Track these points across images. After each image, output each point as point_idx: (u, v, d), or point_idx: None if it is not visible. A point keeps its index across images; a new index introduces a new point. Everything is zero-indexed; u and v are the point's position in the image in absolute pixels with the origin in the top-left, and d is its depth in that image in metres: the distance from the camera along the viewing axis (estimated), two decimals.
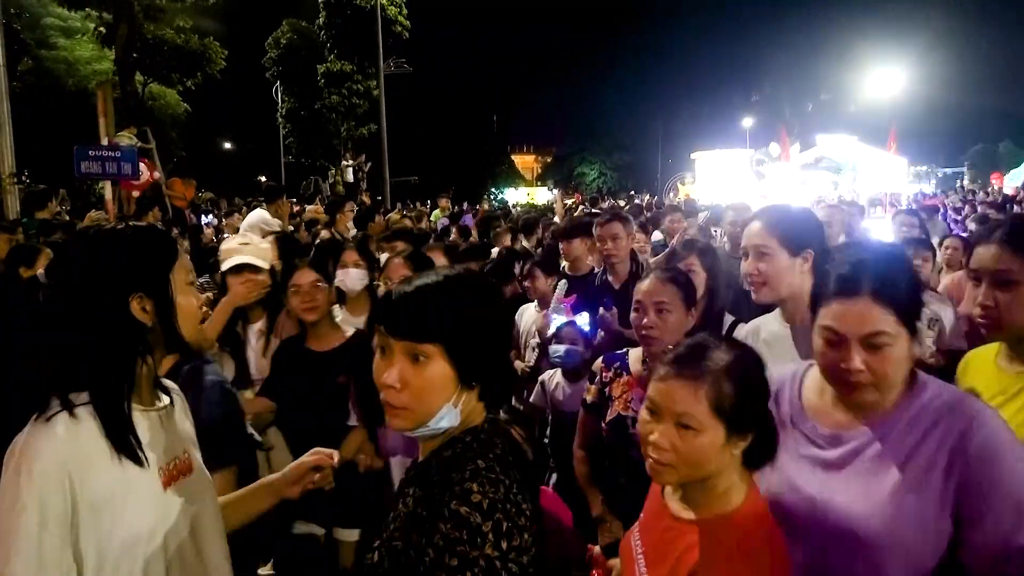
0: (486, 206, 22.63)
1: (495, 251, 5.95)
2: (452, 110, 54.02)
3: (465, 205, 24.91)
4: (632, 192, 32.30)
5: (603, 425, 2.53)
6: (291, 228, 8.49)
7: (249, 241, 3.81)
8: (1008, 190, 20.57)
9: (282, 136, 36.67)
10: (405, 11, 33.79)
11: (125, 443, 1.42)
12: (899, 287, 1.49)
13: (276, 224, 7.61)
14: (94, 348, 1.45)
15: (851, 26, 42.64)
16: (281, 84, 36.43)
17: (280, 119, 36.65)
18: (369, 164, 23.09)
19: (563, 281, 4.43)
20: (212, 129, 39.34)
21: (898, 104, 29.67)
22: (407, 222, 9.30)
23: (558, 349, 3.45)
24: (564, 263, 4.77)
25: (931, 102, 32.80)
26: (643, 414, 1.54)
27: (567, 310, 3.70)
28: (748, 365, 1.49)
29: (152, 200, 10.35)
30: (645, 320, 2.45)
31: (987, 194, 19.37)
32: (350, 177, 22.98)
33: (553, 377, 3.60)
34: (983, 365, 1.89)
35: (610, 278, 4.34)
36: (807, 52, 46.63)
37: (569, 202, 20.99)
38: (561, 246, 4.76)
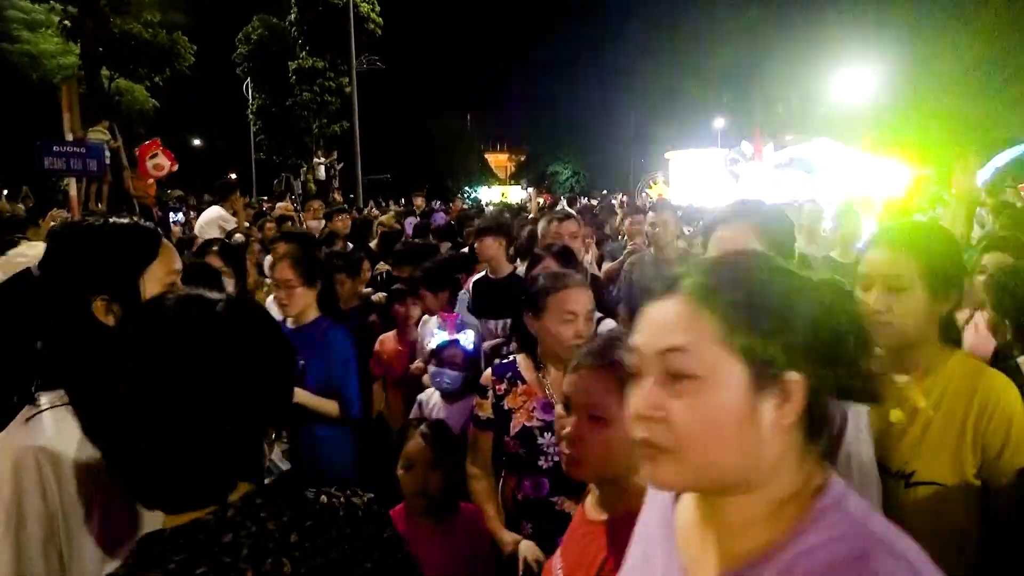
0: (460, 205, 22.58)
1: (465, 250, 5.94)
2: (425, 108, 53.82)
3: (437, 203, 24.84)
4: (604, 192, 32.43)
5: (508, 439, 2.39)
6: (247, 224, 8.40)
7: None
8: None
9: (252, 133, 36.26)
10: (378, 8, 33.60)
11: (100, 442, 1.39)
12: None
13: (234, 221, 7.55)
14: (63, 348, 1.42)
15: (821, 29, 43.22)
16: (252, 80, 36.01)
17: (251, 116, 36.23)
18: (341, 163, 22.94)
19: (463, 292, 4.32)
20: (181, 125, 38.71)
21: (870, 105, 30.13)
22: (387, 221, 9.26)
23: (436, 372, 3.19)
24: (485, 266, 4.50)
25: (898, 104, 33.36)
26: (558, 409, 1.55)
27: (450, 326, 3.35)
28: None
29: (119, 198, 10.18)
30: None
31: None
32: (322, 175, 22.82)
33: (431, 397, 3.36)
34: None
35: None
36: (777, 54, 47.20)
37: (540, 201, 21.01)
38: (475, 246, 4.51)
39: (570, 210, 7.11)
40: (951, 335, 1.82)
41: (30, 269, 1.49)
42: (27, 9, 26.57)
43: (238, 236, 6.86)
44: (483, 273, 4.54)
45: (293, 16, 34.35)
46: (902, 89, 33.89)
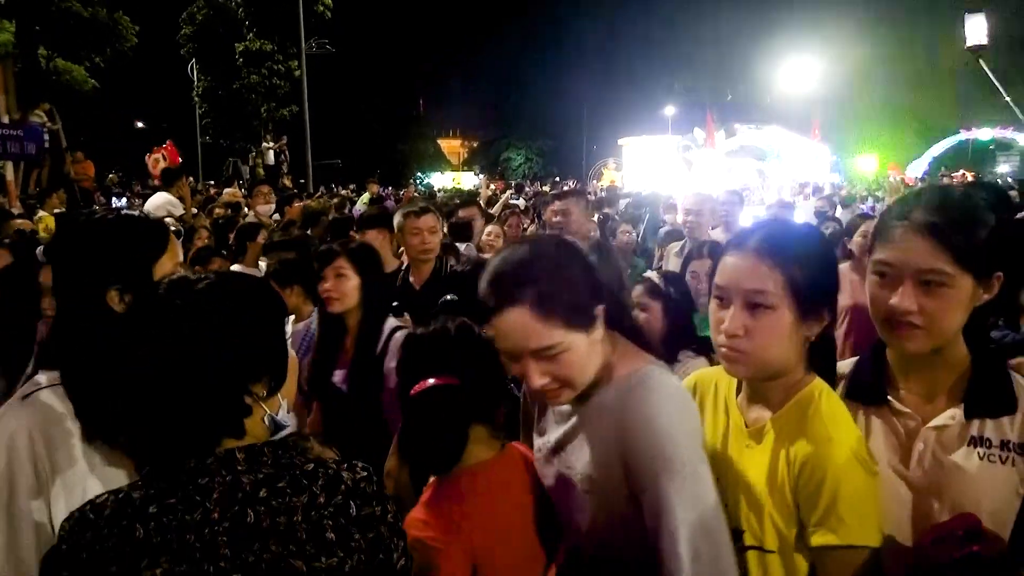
0: (413, 192, 22.46)
1: None
2: (377, 93, 53.13)
3: (389, 189, 24.64)
4: (557, 178, 32.61)
5: None
6: (195, 210, 8.28)
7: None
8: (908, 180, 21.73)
9: (198, 116, 35.37)
10: None
11: (94, 423, 1.44)
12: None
13: (182, 207, 7.45)
14: (70, 333, 1.48)
15: (768, 18, 44.00)
16: (197, 62, 35.08)
17: (196, 98, 35.33)
18: (288, 148, 22.58)
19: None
20: (123, 107, 37.56)
21: (815, 95, 30.87)
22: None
23: None
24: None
25: (842, 94, 34.23)
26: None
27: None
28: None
29: (58, 182, 9.90)
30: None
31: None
32: (271, 160, 22.42)
33: None
34: (717, 396, 1.61)
35: (412, 278, 3.97)
36: (726, 42, 47.93)
37: (493, 186, 21.01)
38: (356, 238, 4.26)
39: (515, 201, 7.13)
40: (825, 358, 1.52)
41: (36, 255, 1.55)
42: None
43: (168, 220, 6.75)
44: None
45: None
46: (845, 79, 34.78)
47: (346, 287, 2.81)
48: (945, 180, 17.20)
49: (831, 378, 1.52)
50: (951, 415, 1.42)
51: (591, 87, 59.00)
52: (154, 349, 1.09)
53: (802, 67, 32.43)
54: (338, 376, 2.84)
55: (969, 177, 20.23)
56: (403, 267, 4.12)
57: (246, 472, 1.10)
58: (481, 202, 10.16)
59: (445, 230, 5.45)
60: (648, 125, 37.03)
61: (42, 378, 1.47)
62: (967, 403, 1.41)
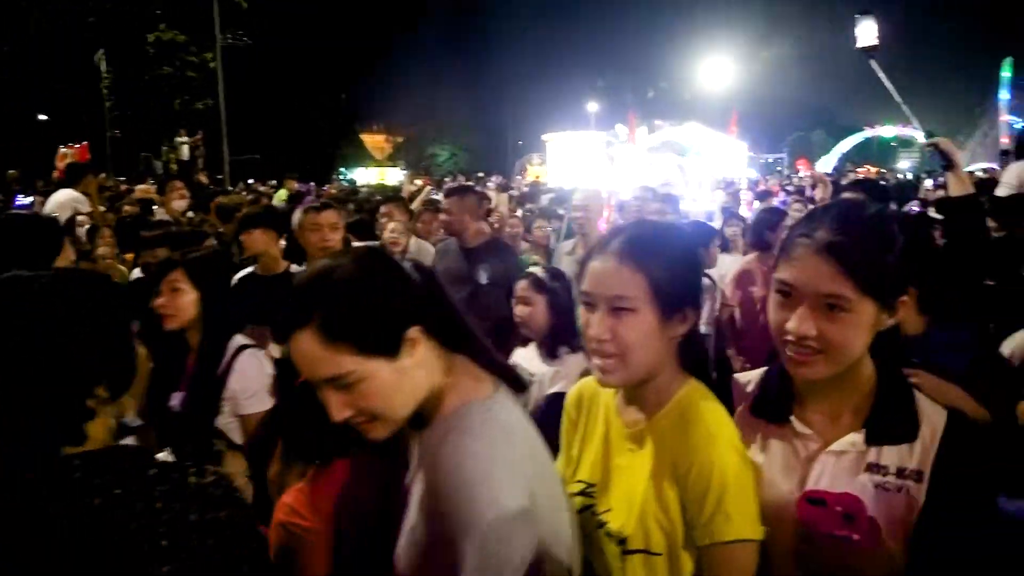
0: (334, 189, 22.05)
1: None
2: (297, 86, 51.84)
3: (311, 185, 24.12)
4: (480, 174, 32.62)
5: None
6: (103, 208, 7.92)
7: None
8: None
9: (107, 108, 33.78)
10: None
11: None
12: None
13: (88, 204, 7.11)
14: None
15: (688, 17, 45.18)
16: (105, 53, 33.46)
17: (104, 90, 33.73)
18: (203, 142, 21.82)
19: None
20: (22, 98, 35.52)
21: (732, 93, 31.86)
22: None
23: None
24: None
25: (756, 93, 35.46)
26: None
27: None
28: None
29: None
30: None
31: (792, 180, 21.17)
32: (186, 155, 21.62)
33: None
34: (598, 403, 1.59)
35: None
36: (646, 41, 48.96)
37: (419, 182, 20.83)
38: (242, 239, 4.06)
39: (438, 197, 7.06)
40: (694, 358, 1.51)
41: None
42: None
43: (81, 219, 6.43)
44: (250, 270, 4.05)
45: None
46: (759, 77, 35.99)
47: (182, 302, 2.61)
48: (851, 175, 18.01)
49: (705, 377, 1.51)
50: (851, 440, 1.38)
51: (517, 83, 59.27)
52: None
53: (718, 65, 33.48)
54: (176, 399, 2.67)
55: (873, 172, 21.24)
56: (288, 269, 3.92)
57: (81, 480, 1.06)
58: (405, 198, 10.09)
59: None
60: (572, 121, 37.48)
61: None
62: (868, 428, 1.37)
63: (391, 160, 62.71)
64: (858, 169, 20.72)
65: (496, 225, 7.06)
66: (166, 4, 31.82)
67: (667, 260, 1.39)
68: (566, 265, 4.17)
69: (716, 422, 1.40)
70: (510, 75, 61.00)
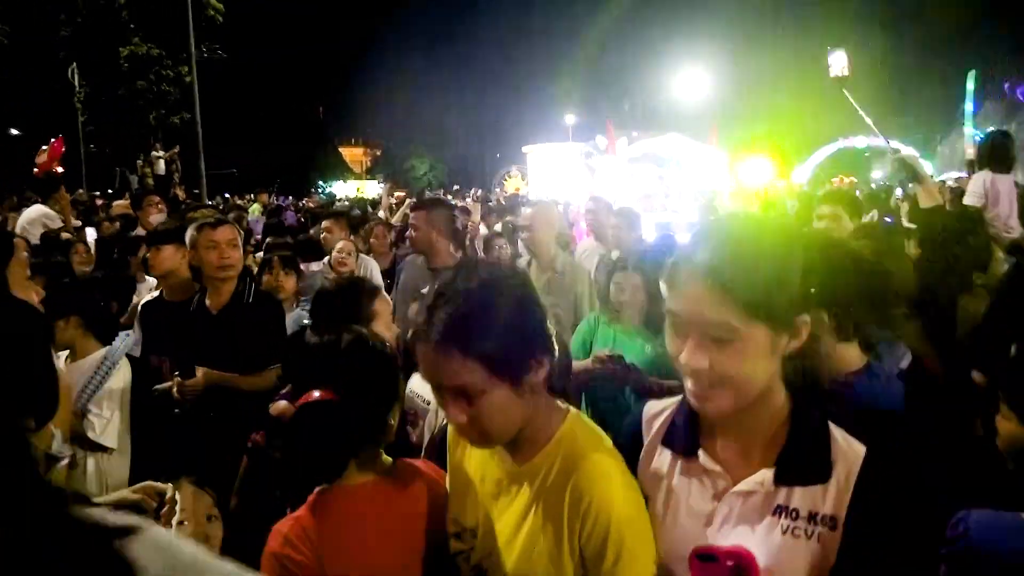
0: (312, 204, 21.95)
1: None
2: (274, 99, 51.77)
3: (290, 199, 24.01)
4: (456, 187, 32.66)
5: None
6: (78, 223, 7.84)
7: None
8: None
9: (80, 123, 33.39)
10: None
11: None
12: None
13: (60, 220, 7.06)
14: None
15: (664, 30, 45.69)
16: (78, 66, 33.11)
17: (78, 104, 33.36)
18: (180, 157, 21.65)
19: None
20: None
21: (710, 103, 32.14)
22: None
23: None
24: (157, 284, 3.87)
25: (734, 104, 35.87)
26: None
27: None
28: None
29: None
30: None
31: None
32: (162, 169, 21.41)
33: None
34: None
35: (208, 301, 3.47)
36: (621, 54, 49.43)
37: (400, 194, 20.83)
38: (148, 258, 3.84)
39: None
40: None
41: None
42: None
43: (65, 235, 6.39)
44: (156, 294, 3.81)
45: None
46: (735, 88, 36.42)
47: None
48: (828, 186, 18.20)
49: (569, 399, 1.48)
50: (760, 480, 1.25)
51: (495, 97, 59.59)
52: None
53: (696, 77, 33.83)
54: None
55: (847, 181, 21.49)
56: (200, 296, 3.57)
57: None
58: (382, 212, 10.07)
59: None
60: (549, 134, 37.63)
61: None
62: (777, 466, 1.24)
63: (369, 173, 62.62)
64: (833, 179, 20.97)
65: (470, 237, 7.08)
66: (140, 18, 31.55)
67: (494, 332, 1.27)
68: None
69: (602, 464, 1.34)
70: (488, 88, 61.34)
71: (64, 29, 33.24)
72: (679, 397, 1.42)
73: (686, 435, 1.35)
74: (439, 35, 74.69)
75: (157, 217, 7.25)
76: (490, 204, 15.67)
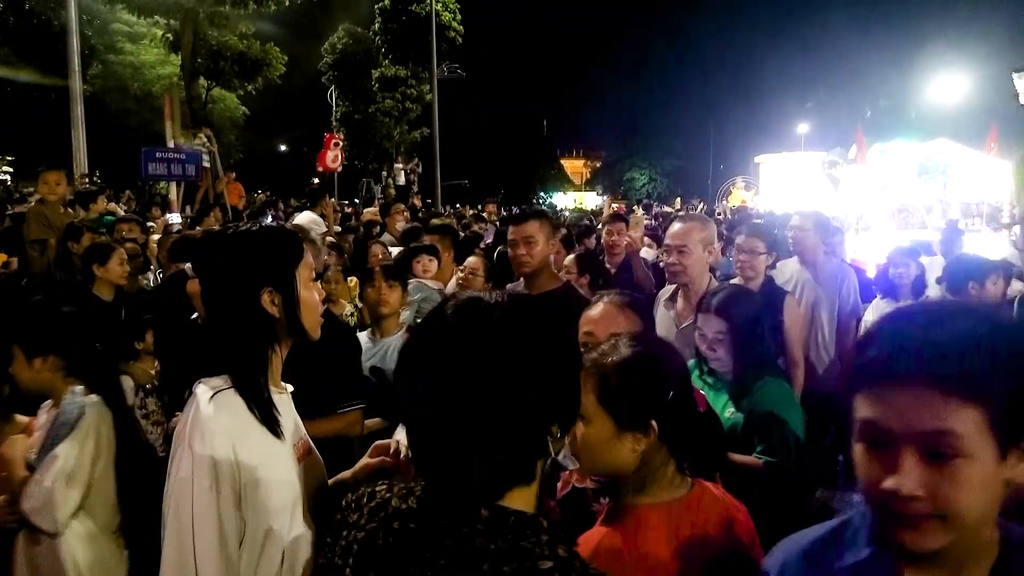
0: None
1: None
2: (503, 114, 54.25)
3: (515, 209, 24.85)
4: (680, 197, 31.97)
5: (550, 504, 1.99)
6: (338, 228, 8.67)
7: None
8: None
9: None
10: (459, 17, 34.14)
11: (270, 419, 1.54)
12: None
13: (324, 225, 7.84)
14: (233, 336, 1.57)
15: (913, 30, 41.57)
16: (336, 88, 37.10)
17: (335, 123, 37.34)
18: (419, 166, 23.37)
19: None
20: (267, 131, 40.21)
21: (986, 105, 28.60)
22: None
23: None
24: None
25: (990, 108, 31.70)
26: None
27: None
28: (644, 362, 1.54)
29: (214, 201, 10.71)
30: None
31: None
32: (402, 180, 23.27)
33: None
34: None
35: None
36: (865, 57, 45.58)
37: (616, 206, 20.83)
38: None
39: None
40: None
41: (185, 271, 1.63)
42: (130, 22, 28.09)
43: (329, 238, 7.11)
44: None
45: (377, 26, 35.26)
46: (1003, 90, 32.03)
47: None
48: None
49: None
50: None
51: (718, 106, 57.81)
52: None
53: (948, 82, 30.32)
54: None
55: None
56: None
57: (482, 535, 0.99)
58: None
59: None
60: (778, 143, 35.76)
61: (210, 383, 1.55)
62: None
63: (589, 185, 63.47)
64: None
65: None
66: (390, 42, 34.59)
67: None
68: (660, 317, 3.49)
69: None
70: (712, 98, 59.63)
71: (328, 56, 37.39)
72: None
73: None
74: (662, 47, 74.00)
75: (402, 224, 7.88)
76: (717, 217, 15.07)
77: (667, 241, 3.44)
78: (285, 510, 1.52)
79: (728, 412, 2.62)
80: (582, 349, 1.96)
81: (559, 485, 1.96)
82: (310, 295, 1.64)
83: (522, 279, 3.51)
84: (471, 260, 4.81)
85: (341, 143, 12.00)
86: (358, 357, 3.19)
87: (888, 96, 40.58)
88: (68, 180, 6.49)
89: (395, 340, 3.52)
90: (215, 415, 1.47)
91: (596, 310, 2.20)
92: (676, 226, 3.39)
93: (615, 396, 1.50)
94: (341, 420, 2.83)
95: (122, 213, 8.48)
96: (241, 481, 1.46)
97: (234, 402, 1.52)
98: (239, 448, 1.46)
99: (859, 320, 4.51)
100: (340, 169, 11.65)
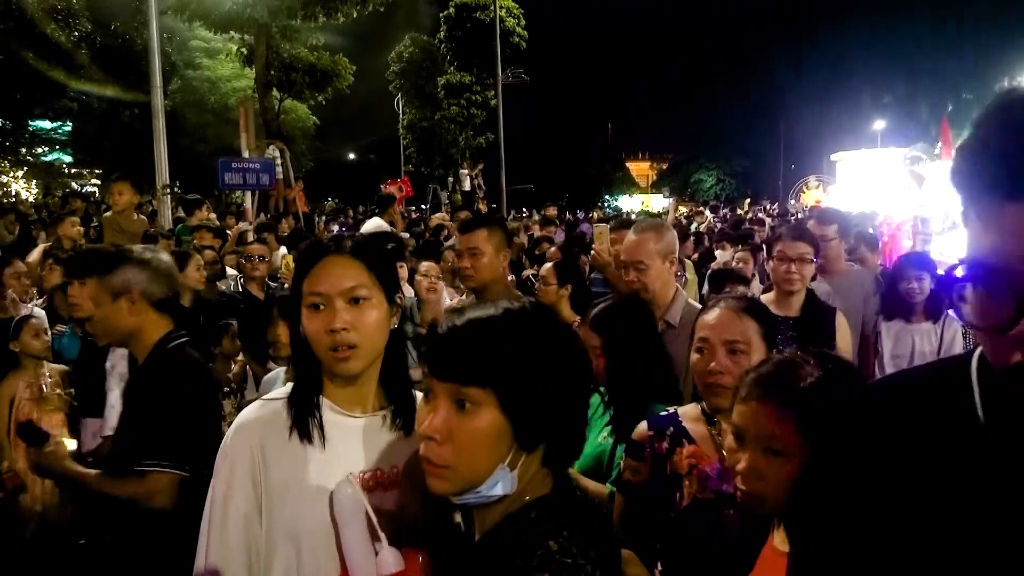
0: (598, 215, 22.49)
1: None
2: (568, 118, 54.16)
3: (581, 214, 24.80)
4: (749, 198, 31.26)
5: (673, 516, 1.95)
6: (406, 234, 8.79)
7: None
8: None
9: (403, 146, 37.93)
10: (523, 22, 34.26)
11: (307, 435, 1.47)
12: None
13: (391, 231, 7.98)
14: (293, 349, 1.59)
15: (994, 18, 39.65)
16: (403, 96, 37.73)
17: (401, 130, 37.94)
18: (484, 174, 23.53)
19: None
20: (336, 140, 41.17)
21: None
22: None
23: None
24: None
25: None
26: (728, 441, 1.48)
27: None
28: (840, 383, 1.37)
29: (286, 210, 11.02)
30: (713, 364, 1.91)
31: None
32: (467, 186, 23.45)
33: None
34: None
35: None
36: (944, 49, 43.69)
37: (684, 210, 20.51)
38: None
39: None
40: None
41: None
42: (207, 39, 29.21)
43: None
44: None
45: (442, 34, 35.75)
46: None
47: None
48: None
49: None
50: None
51: (788, 104, 56.22)
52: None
53: None
54: None
55: None
56: None
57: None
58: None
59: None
60: (853, 140, 34.59)
61: (284, 389, 1.55)
62: None
63: (655, 187, 62.75)
64: None
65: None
66: (455, 49, 35.00)
67: None
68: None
69: None
70: (781, 96, 58.05)
71: (395, 64, 38.07)
72: None
73: None
74: (727, 45, 72.61)
75: None
76: (788, 218, 14.70)
77: (621, 257, 3.10)
78: (313, 534, 1.43)
79: (600, 437, 2.42)
80: (696, 355, 1.96)
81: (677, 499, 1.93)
82: (309, 324, 1.48)
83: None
84: (543, 268, 4.55)
85: (403, 188, 12.98)
86: (207, 398, 2.43)
87: (970, 88, 38.79)
88: (137, 190, 6.89)
89: None
90: (248, 420, 1.51)
91: (712, 315, 2.00)
92: (628, 239, 3.01)
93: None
94: (134, 483, 2.12)
95: (216, 223, 8.82)
96: (262, 493, 1.45)
97: (277, 410, 1.50)
98: (266, 458, 1.45)
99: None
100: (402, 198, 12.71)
